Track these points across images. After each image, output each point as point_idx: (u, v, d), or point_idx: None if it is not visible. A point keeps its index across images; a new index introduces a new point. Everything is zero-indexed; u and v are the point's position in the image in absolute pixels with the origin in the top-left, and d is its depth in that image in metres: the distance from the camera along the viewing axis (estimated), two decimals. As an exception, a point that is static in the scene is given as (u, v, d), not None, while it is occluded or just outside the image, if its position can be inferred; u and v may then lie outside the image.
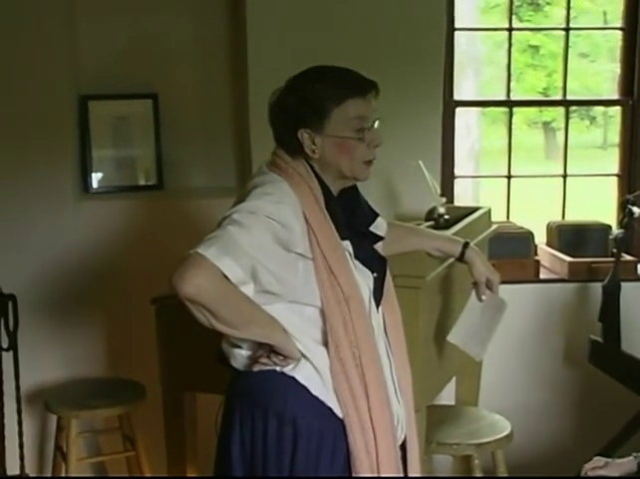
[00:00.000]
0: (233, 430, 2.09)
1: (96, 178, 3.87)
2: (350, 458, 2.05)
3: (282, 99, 2.09)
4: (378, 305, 2.18)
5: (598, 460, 2.63)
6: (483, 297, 2.45)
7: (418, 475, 2.30)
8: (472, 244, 2.46)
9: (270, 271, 1.93)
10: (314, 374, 2.03)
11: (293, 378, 2.03)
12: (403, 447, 2.22)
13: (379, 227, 2.33)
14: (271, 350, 2.02)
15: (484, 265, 2.44)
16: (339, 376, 2.02)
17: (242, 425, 2.08)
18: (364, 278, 2.11)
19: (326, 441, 2.04)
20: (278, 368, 2.03)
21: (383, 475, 2.06)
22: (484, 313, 2.51)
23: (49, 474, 3.66)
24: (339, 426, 2.04)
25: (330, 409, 2.04)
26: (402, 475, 2.18)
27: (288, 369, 2.03)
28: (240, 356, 2.09)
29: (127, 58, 3.83)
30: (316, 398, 2.04)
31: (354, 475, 2.05)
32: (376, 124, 2.10)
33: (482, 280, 2.43)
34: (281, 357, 2.01)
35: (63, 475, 3.44)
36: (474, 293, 2.47)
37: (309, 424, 2.03)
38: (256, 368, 2.05)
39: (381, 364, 2.10)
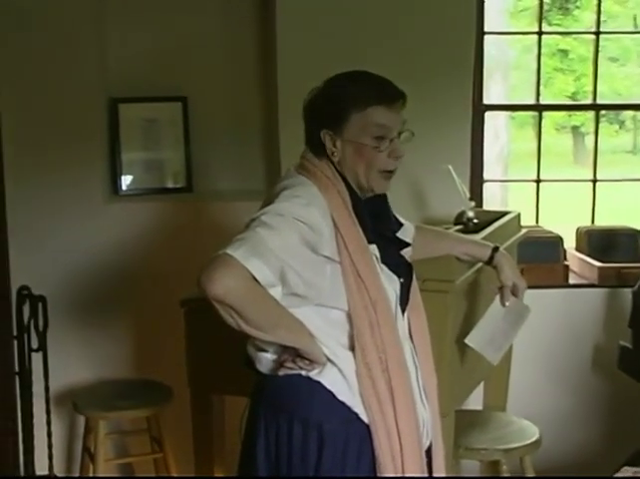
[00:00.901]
0: (258, 435, 2.08)
1: (125, 180, 3.89)
2: (375, 463, 2.04)
3: (314, 98, 2.10)
4: (403, 311, 2.17)
5: (626, 470, 2.60)
6: (507, 303, 2.44)
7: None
8: (501, 249, 2.45)
9: (298, 274, 1.92)
10: (340, 379, 2.02)
11: (319, 383, 2.02)
12: (428, 453, 2.20)
13: (406, 232, 2.32)
14: (297, 354, 2.00)
15: (512, 271, 2.43)
16: (365, 381, 2.01)
17: (267, 430, 2.07)
18: (391, 283, 2.10)
19: (351, 446, 2.03)
20: (304, 373, 2.02)
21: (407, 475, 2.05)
22: (506, 319, 2.50)
23: (77, 475, 3.68)
24: (365, 431, 2.03)
25: (356, 414, 2.03)
26: None
27: (314, 374, 2.02)
28: (266, 360, 2.08)
29: (156, 61, 3.84)
30: (342, 403, 2.02)
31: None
32: (402, 136, 2.08)
33: (509, 285, 2.42)
34: (307, 362, 2.00)
35: (91, 475, 3.46)
36: (497, 298, 2.46)
37: (335, 429, 2.01)
38: (282, 372, 2.04)
39: (407, 370, 2.08)
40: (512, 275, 2.42)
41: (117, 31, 3.82)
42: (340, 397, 2.02)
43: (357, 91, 2.03)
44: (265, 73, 3.88)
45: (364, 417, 2.03)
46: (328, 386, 2.02)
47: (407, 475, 2.04)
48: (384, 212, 2.19)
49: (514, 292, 2.43)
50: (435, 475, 2.24)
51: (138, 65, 3.84)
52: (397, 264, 2.14)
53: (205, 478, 3.23)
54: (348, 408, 2.02)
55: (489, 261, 2.43)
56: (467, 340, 2.53)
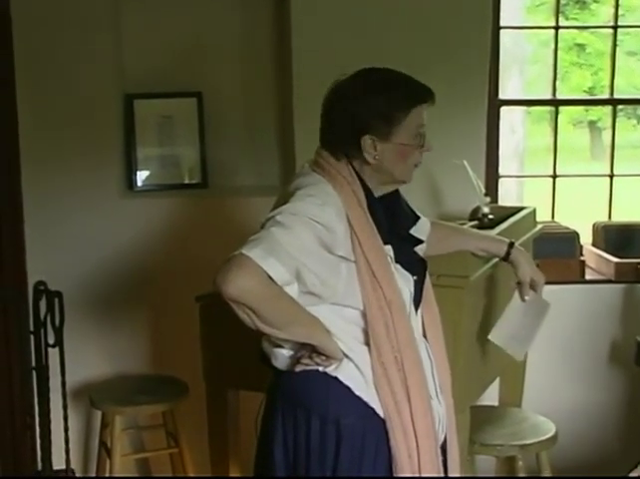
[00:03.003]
0: (276, 431, 2.09)
1: (141, 176, 3.89)
2: (392, 462, 2.04)
3: (349, 105, 2.06)
4: (417, 308, 2.17)
5: (642, 468, 2.59)
6: (527, 298, 2.44)
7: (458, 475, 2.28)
8: (517, 245, 2.44)
9: (314, 273, 1.93)
10: (357, 374, 2.03)
11: (336, 378, 2.03)
12: (443, 448, 2.20)
13: (420, 228, 2.31)
14: (313, 350, 2.01)
15: (529, 266, 2.43)
16: (381, 380, 2.02)
17: (285, 426, 2.08)
18: (405, 282, 2.10)
19: (369, 442, 2.03)
20: (320, 368, 2.03)
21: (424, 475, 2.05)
22: (527, 314, 2.50)
23: (94, 468, 3.70)
24: (381, 428, 2.03)
25: (373, 409, 2.03)
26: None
27: (331, 369, 2.03)
28: (282, 356, 2.09)
29: (171, 57, 3.85)
30: (359, 398, 2.03)
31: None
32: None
33: (527, 281, 2.42)
34: (323, 357, 2.01)
35: (107, 469, 3.48)
36: (516, 294, 2.46)
37: (352, 424, 2.02)
38: (298, 368, 2.04)
39: (423, 368, 2.08)
40: (530, 271, 2.42)
41: (132, 27, 3.83)
42: (357, 392, 2.03)
43: (402, 96, 2.05)
44: (280, 68, 3.87)
45: (380, 413, 2.03)
46: (345, 381, 2.02)
47: (424, 475, 2.04)
48: (398, 208, 2.20)
49: (533, 287, 2.43)
50: (450, 470, 2.24)
51: (153, 61, 3.85)
52: (410, 262, 2.14)
53: (221, 478, 3.24)
54: (365, 403, 2.03)
55: (506, 257, 2.43)
56: (490, 337, 2.54)
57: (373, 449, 2.03)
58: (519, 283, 2.43)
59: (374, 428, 2.03)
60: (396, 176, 2.10)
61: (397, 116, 2.04)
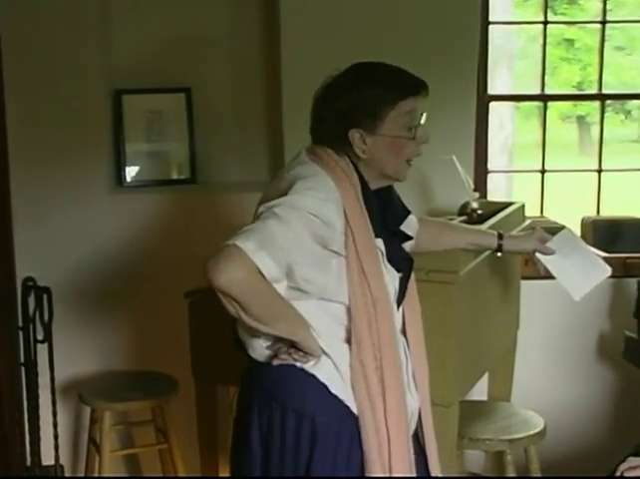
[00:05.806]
0: (252, 421, 2.07)
1: (129, 171, 3.88)
2: (363, 458, 2.03)
3: (334, 100, 2.07)
4: (399, 305, 2.16)
5: (631, 461, 2.59)
6: (549, 245, 2.46)
7: (437, 470, 2.28)
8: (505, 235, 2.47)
9: (304, 270, 1.92)
10: (334, 373, 2.02)
11: (313, 376, 2.02)
12: (416, 438, 2.20)
13: (409, 225, 2.31)
14: (292, 345, 2.00)
15: (527, 241, 2.48)
16: (358, 377, 2.01)
17: (261, 414, 2.06)
18: (391, 279, 2.09)
19: (343, 440, 2.03)
20: (298, 364, 2.02)
21: (395, 475, 2.04)
22: (566, 254, 2.50)
23: (83, 464, 3.69)
24: (356, 426, 2.03)
25: (348, 408, 2.03)
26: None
27: (309, 366, 2.02)
28: (260, 347, 2.07)
29: (160, 52, 3.83)
30: (335, 397, 2.02)
31: (367, 475, 2.04)
32: (423, 119, 2.10)
33: (538, 247, 2.46)
34: (301, 353, 2.00)
35: (96, 465, 3.47)
36: (543, 258, 2.48)
37: (327, 423, 2.01)
38: (276, 363, 2.03)
39: (401, 367, 2.08)
40: (531, 241, 2.47)
41: (121, 22, 3.81)
42: (333, 391, 2.02)
43: (387, 90, 2.04)
44: (269, 64, 3.86)
45: (355, 411, 2.03)
46: (322, 379, 2.02)
47: (394, 475, 2.03)
48: (390, 203, 2.19)
49: (544, 242, 2.47)
50: (429, 462, 2.24)
51: (141, 56, 3.83)
52: (398, 259, 2.13)
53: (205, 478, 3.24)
54: (340, 402, 2.02)
55: (499, 248, 2.44)
56: (577, 299, 2.54)
57: (347, 447, 2.03)
58: (534, 252, 2.47)
59: (348, 427, 2.03)
60: (388, 172, 2.09)
61: (383, 110, 2.03)
